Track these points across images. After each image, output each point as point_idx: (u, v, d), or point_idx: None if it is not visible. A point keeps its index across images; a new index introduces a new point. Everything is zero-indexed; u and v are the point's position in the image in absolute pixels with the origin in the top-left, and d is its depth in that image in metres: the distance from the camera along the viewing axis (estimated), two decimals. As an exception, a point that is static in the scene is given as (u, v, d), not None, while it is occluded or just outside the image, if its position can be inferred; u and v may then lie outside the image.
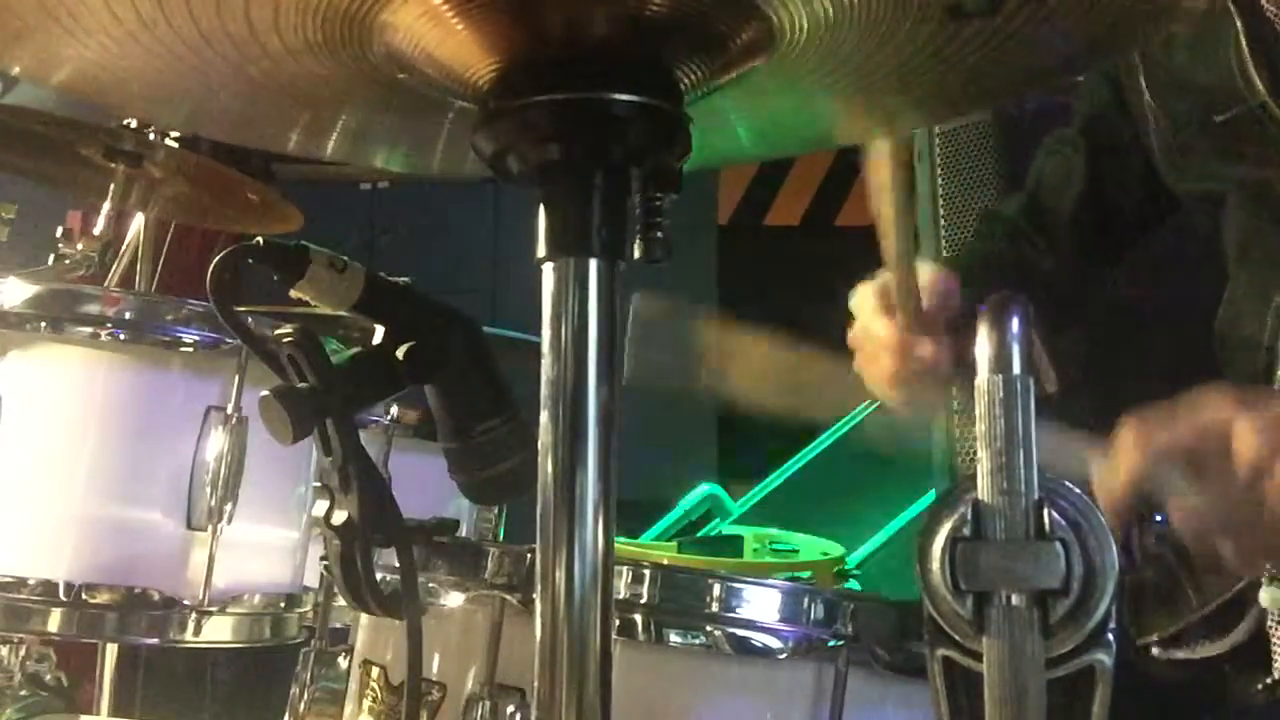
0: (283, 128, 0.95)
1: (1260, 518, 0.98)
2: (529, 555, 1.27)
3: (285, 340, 0.91)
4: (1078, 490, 0.76)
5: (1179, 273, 1.71)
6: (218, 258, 0.93)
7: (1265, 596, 1.10)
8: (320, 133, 0.95)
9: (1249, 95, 1.27)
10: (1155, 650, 1.26)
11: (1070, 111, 1.63)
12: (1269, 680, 1.23)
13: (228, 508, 1.79)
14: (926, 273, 1.37)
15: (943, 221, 2.19)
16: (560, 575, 0.73)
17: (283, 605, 1.92)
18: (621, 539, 1.81)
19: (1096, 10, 0.73)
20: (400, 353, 0.95)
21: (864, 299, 1.39)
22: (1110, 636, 0.75)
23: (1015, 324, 0.77)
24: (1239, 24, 1.26)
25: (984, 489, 0.75)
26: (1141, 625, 1.24)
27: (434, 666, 1.33)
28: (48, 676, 2.19)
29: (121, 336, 1.81)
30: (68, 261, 2.19)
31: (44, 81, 0.85)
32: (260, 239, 0.93)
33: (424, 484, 1.46)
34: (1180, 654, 1.25)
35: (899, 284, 1.33)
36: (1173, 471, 1.01)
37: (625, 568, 1.25)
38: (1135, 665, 1.28)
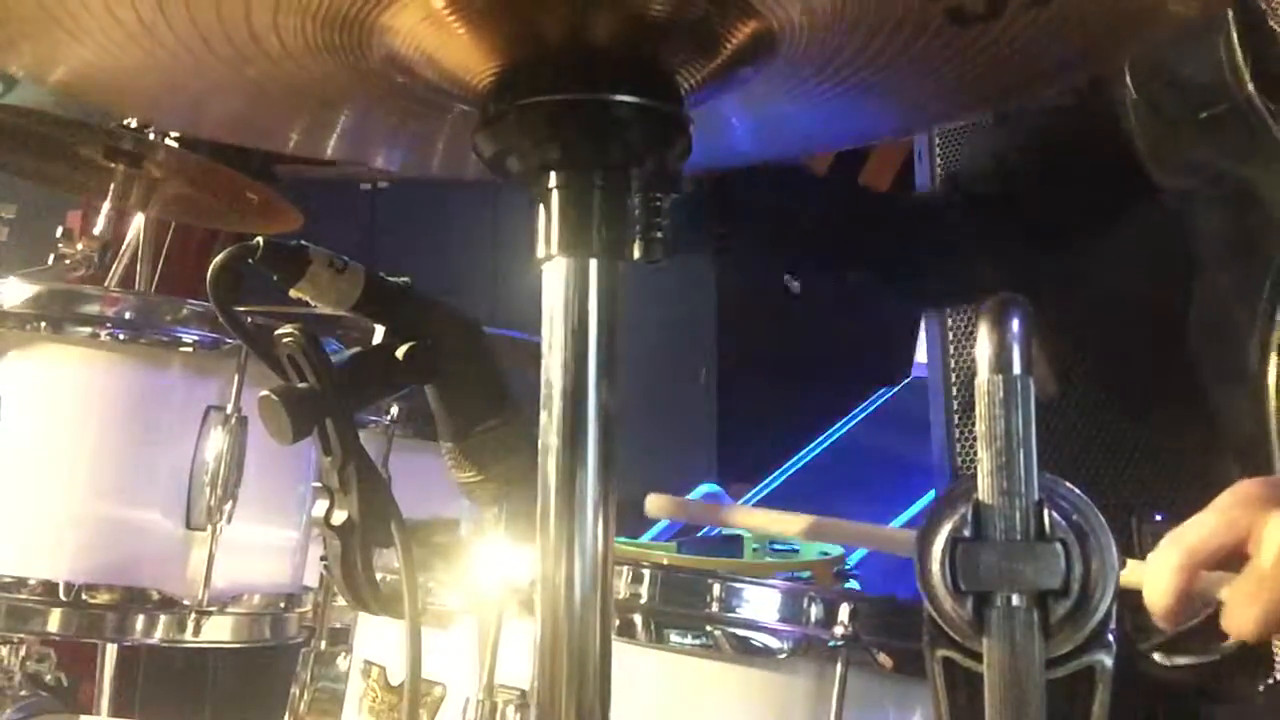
0: (283, 128, 0.95)
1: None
2: (530, 555, 1.27)
3: (285, 340, 0.91)
4: (1078, 490, 0.76)
5: (1157, 269, 1.70)
6: (218, 258, 0.93)
7: None
8: (320, 133, 0.95)
9: (1237, 89, 1.26)
10: (1158, 657, 1.25)
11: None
12: (1270, 681, 1.22)
13: (227, 508, 1.79)
14: None
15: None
16: (560, 575, 0.73)
17: (283, 605, 1.92)
18: (621, 539, 1.81)
19: (1093, 16, 0.73)
20: (400, 353, 0.95)
21: None
22: (1110, 637, 0.75)
23: (1015, 324, 0.77)
24: (1231, 16, 1.26)
25: (984, 489, 0.75)
26: (1140, 628, 1.23)
27: (434, 666, 1.32)
28: (48, 676, 2.19)
29: (121, 336, 1.81)
30: (68, 261, 2.19)
31: (43, 81, 0.85)
32: (260, 239, 0.93)
33: (424, 484, 1.46)
34: (1182, 659, 1.24)
35: None
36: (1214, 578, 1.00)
37: (625, 568, 1.25)
38: (1138, 668, 1.27)
